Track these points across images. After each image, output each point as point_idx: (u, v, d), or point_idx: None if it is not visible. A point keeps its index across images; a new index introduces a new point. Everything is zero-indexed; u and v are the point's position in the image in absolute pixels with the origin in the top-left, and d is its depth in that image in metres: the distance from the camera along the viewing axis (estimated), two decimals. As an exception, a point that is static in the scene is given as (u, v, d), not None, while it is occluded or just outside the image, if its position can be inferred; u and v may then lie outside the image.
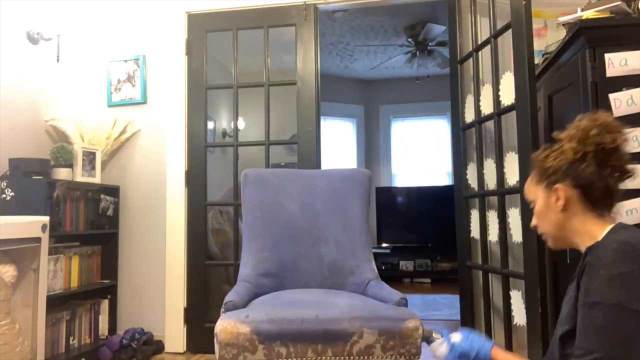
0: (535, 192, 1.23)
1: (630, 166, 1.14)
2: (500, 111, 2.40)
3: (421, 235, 6.15)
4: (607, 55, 1.75)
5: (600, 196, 1.14)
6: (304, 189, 2.30)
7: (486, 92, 2.57)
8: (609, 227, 1.11)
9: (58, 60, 3.11)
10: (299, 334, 1.60)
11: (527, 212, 2.11)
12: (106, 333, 3.05)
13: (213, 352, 1.68)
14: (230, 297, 1.80)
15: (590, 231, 1.13)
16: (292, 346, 1.59)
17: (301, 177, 2.36)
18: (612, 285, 0.96)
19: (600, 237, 1.10)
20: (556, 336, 1.14)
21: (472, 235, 2.79)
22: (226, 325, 1.61)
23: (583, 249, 1.14)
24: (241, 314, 1.67)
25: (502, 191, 2.39)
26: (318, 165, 3.05)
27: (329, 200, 2.27)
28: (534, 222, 1.25)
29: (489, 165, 2.58)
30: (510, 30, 2.26)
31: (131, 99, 3.28)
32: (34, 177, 2.65)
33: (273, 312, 1.68)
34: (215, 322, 1.67)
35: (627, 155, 1.13)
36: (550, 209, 1.18)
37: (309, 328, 1.61)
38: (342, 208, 2.26)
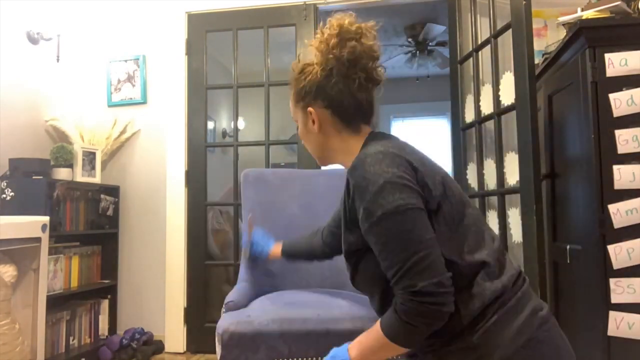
0: (295, 112, 1.21)
1: (378, 72, 1.11)
2: (500, 111, 2.40)
3: (421, 235, 6.14)
4: (607, 55, 1.75)
5: (353, 113, 1.12)
6: (305, 189, 2.30)
7: (486, 92, 2.57)
8: (361, 140, 1.12)
9: (58, 60, 3.11)
10: (301, 334, 1.59)
11: (527, 212, 2.11)
12: (106, 333, 3.05)
13: (213, 352, 1.68)
14: (231, 296, 1.80)
15: (349, 148, 1.13)
16: (295, 346, 1.59)
17: (302, 176, 2.35)
18: (384, 194, 0.94)
19: (356, 151, 1.09)
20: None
21: (472, 235, 2.78)
22: (228, 325, 1.61)
23: (347, 165, 1.12)
24: (243, 313, 1.67)
25: (502, 191, 2.39)
26: (318, 166, 3.05)
27: (329, 199, 2.25)
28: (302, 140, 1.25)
29: (489, 165, 2.58)
30: (510, 30, 2.25)
31: (131, 99, 3.28)
32: (34, 177, 2.65)
33: (275, 311, 1.68)
34: (215, 322, 1.67)
35: (373, 58, 1.10)
36: (309, 130, 1.17)
37: (311, 328, 1.60)
38: (342, 208, 2.24)
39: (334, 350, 1.09)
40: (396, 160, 0.97)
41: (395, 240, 0.93)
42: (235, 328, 1.60)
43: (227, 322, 1.62)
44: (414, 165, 0.99)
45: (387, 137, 1.11)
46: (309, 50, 1.16)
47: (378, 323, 1.00)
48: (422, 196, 0.97)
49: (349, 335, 1.59)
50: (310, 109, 1.14)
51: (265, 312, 1.68)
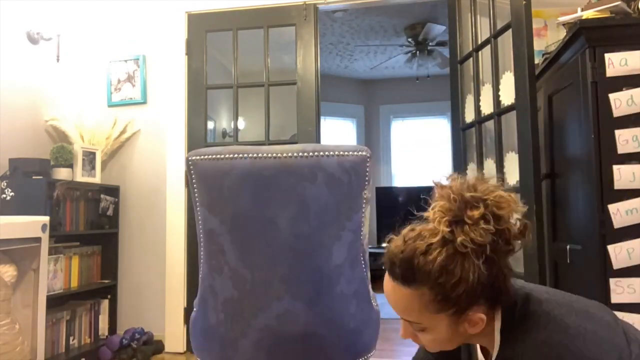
0: (430, 319, 0.90)
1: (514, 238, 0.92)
2: (500, 111, 2.40)
3: (421, 235, 6.15)
4: (607, 55, 1.75)
5: (505, 294, 0.91)
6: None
7: (486, 92, 2.57)
8: (497, 318, 0.93)
9: (58, 60, 3.11)
10: None
11: (527, 212, 2.11)
12: (106, 333, 3.05)
13: (212, 352, 1.68)
14: None
15: (489, 328, 0.93)
16: None
17: None
18: None
19: (494, 329, 0.92)
20: None
21: (472, 235, 2.78)
22: None
23: (479, 343, 0.98)
24: None
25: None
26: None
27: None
28: (413, 338, 0.97)
29: (489, 165, 2.58)
30: (510, 30, 2.25)
31: (131, 99, 3.28)
32: (34, 177, 2.65)
33: None
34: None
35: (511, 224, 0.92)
36: (459, 334, 0.92)
37: None
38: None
39: None
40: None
41: None
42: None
43: None
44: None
45: (537, 316, 0.89)
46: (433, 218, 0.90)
47: None
48: None
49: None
50: (474, 315, 0.89)
51: None
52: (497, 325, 0.92)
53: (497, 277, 0.88)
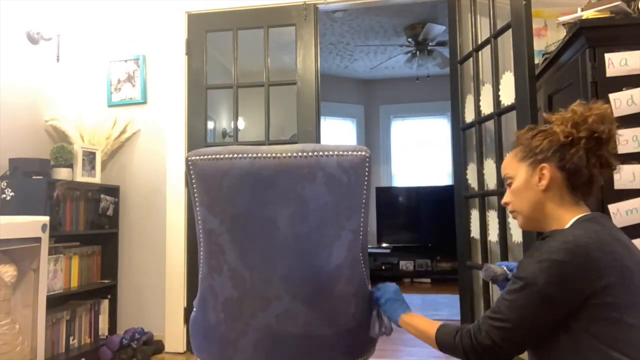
0: (516, 168, 1.21)
1: (614, 161, 1.14)
2: (500, 111, 2.40)
3: (421, 235, 6.15)
4: (607, 55, 1.75)
5: (582, 183, 1.13)
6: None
7: (486, 92, 2.57)
8: (576, 216, 1.12)
9: (58, 60, 3.11)
10: None
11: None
12: (106, 333, 3.05)
13: (212, 352, 1.67)
14: None
15: (561, 217, 1.13)
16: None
17: None
18: (538, 267, 1.02)
19: (566, 225, 1.11)
20: None
21: (472, 235, 2.79)
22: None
23: (544, 230, 1.17)
24: None
25: (502, 191, 2.38)
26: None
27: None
28: (507, 198, 1.24)
29: (489, 165, 2.59)
30: (510, 30, 2.26)
31: (131, 99, 3.28)
32: (34, 177, 2.65)
33: None
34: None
35: (614, 149, 1.14)
36: (531, 187, 1.17)
37: None
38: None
39: (397, 293, 1.40)
40: (580, 250, 1.01)
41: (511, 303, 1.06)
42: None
43: None
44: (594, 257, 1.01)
45: (595, 221, 1.10)
46: (556, 121, 1.16)
47: (434, 323, 1.22)
48: (573, 293, 1.00)
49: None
50: (544, 165, 1.14)
51: None
52: (564, 217, 1.13)
53: (577, 152, 1.12)
